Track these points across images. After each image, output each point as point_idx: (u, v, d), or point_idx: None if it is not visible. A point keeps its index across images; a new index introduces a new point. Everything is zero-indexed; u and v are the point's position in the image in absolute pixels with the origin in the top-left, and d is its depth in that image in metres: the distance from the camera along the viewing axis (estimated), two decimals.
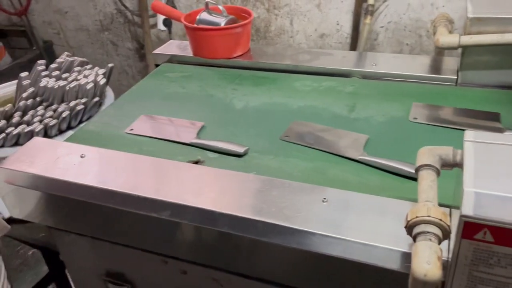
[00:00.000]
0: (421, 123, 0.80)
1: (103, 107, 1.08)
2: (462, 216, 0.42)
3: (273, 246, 0.60)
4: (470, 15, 0.83)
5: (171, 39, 1.78)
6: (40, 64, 1.08)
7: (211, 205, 0.62)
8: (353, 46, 1.65)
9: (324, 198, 0.62)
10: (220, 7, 1.09)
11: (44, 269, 1.24)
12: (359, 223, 0.57)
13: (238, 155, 0.76)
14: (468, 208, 0.42)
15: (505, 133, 0.73)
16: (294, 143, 0.78)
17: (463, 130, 0.57)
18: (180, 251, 0.70)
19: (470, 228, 0.42)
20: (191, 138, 0.80)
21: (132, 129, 0.85)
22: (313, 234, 0.57)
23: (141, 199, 0.65)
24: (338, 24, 1.66)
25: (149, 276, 0.79)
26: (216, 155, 0.77)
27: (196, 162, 0.75)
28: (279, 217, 0.59)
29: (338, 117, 0.85)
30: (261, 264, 0.64)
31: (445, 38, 0.85)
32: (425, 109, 0.83)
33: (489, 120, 0.77)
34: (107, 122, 0.89)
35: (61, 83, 1.01)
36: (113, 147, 0.78)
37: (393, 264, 0.54)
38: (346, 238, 0.56)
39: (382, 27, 1.60)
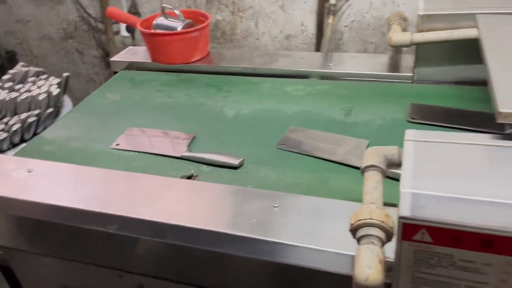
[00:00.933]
0: (419, 122, 0.78)
1: (60, 117, 1.05)
2: (400, 217, 0.41)
3: (225, 256, 0.58)
4: (421, 12, 0.83)
5: (134, 45, 1.75)
6: None
7: (160, 217, 0.60)
8: (318, 46, 1.66)
9: (275, 204, 0.61)
10: (177, 12, 1.07)
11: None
12: (310, 228, 0.56)
13: (233, 167, 0.72)
14: (405, 209, 0.41)
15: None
16: (292, 152, 0.75)
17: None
18: (134, 265, 0.68)
19: (409, 229, 0.42)
20: (182, 151, 0.77)
21: (118, 144, 0.81)
22: (263, 241, 0.55)
23: (88, 214, 0.63)
24: (302, 24, 1.66)
25: None
26: (210, 168, 0.73)
27: (190, 177, 0.71)
28: (230, 225, 0.58)
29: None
30: (219, 274, 0.63)
31: (398, 36, 0.85)
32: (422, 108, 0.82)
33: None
34: (62, 134, 0.86)
35: (13, 95, 0.98)
36: (98, 164, 0.74)
37: (344, 268, 0.53)
38: (296, 244, 0.55)
39: (346, 26, 1.61)
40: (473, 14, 0.75)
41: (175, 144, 0.79)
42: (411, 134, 0.49)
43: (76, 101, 1.15)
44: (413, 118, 0.79)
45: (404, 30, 0.91)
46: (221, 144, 0.79)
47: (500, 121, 0.45)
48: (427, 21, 0.83)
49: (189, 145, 0.78)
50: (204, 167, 0.73)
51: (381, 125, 0.79)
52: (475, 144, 0.47)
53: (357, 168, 0.68)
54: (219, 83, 1.00)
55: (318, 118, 0.84)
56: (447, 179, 0.43)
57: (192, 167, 0.73)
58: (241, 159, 0.73)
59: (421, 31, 0.84)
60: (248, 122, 0.85)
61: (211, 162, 0.73)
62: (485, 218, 0.39)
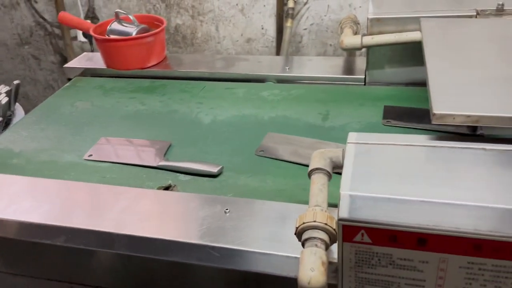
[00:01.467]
0: (394, 126, 0.78)
1: (10, 126, 1.01)
2: (339, 220, 0.42)
3: (178, 264, 0.58)
4: (370, 16, 0.85)
5: (92, 50, 1.72)
6: None
7: (107, 227, 0.59)
8: (279, 49, 1.67)
9: (226, 209, 0.60)
10: (131, 17, 1.05)
11: None
12: (260, 232, 0.56)
13: (213, 176, 0.70)
14: (344, 211, 0.42)
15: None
16: (271, 158, 0.74)
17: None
18: (85, 277, 0.66)
19: (348, 231, 0.42)
20: (158, 160, 0.74)
21: (91, 155, 0.78)
22: (212, 248, 0.55)
23: (33, 226, 0.61)
24: (262, 28, 1.67)
25: None
26: (188, 177, 0.71)
27: (167, 188, 0.68)
28: (180, 233, 0.57)
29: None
30: (172, 283, 0.62)
31: (349, 39, 0.87)
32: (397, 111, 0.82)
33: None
34: (28, 145, 0.83)
35: None
36: (70, 178, 0.71)
37: (293, 272, 0.53)
38: (245, 249, 0.55)
39: (305, 29, 1.63)
40: (418, 18, 0.78)
41: (150, 153, 0.76)
42: (353, 136, 0.50)
43: (32, 109, 1.11)
44: (388, 121, 0.80)
45: (356, 33, 0.93)
46: (198, 152, 0.77)
47: (434, 122, 0.47)
48: (376, 24, 0.85)
49: (165, 154, 0.76)
50: (182, 176, 0.71)
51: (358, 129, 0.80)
52: (412, 145, 0.48)
53: (337, 173, 0.67)
54: (193, 89, 0.98)
55: (295, 123, 0.83)
56: (383, 181, 0.44)
57: (169, 177, 0.71)
58: (220, 166, 0.71)
59: (371, 34, 0.86)
60: (225, 128, 0.84)
61: (189, 170, 0.71)
62: (419, 217, 0.40)
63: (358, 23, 0.96)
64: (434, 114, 0.46)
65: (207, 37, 1.75)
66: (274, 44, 1.68)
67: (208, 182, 0.70)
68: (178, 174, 0.72)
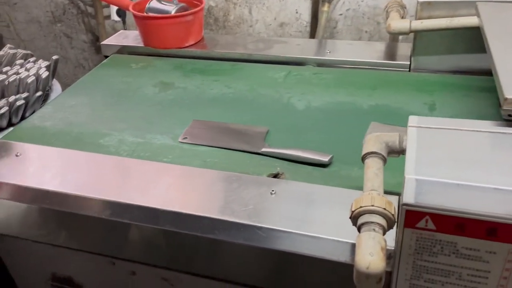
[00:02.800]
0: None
1: (49, 102, 1.02)
2: (403, 204, 0.41)
3: (220, 243, 0.57)
4: (420, 0, 0.82)
5: (125, 29, 1.71)
6: None
7: (153, 203, 0.59)
8: (313, 34, 1.64)
9: (273, 190, 0.59)
10: None
11: None
12: (307, 215, 0.55)
13: (322, 165, 0.65)
14: (409, 196, 0.40)
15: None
16: None
17: None
18: (126, 252, 0.67)
19: (412, 216, 0.41)
20: (260, 146, 0.70)
21: (186, 137, 0.75)
22: (259, 228, 0.54)
23: (79, 199, 0.61)
24: (297, 12, 1.64)
25: (97, 279, 0.75)
26: (292, 165, 0.66)
27: (276, 176, 0.64)
28: (225, 212, 0.57)
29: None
30: (212, 261, 0.62)
31: (396, 23, 0.84)
32: None
33: None
34: (52, 118, 0.83)
35: (0, 77, 0.95)
36: (168, 161, 0.69)
37: (342, 256, 0.52)
38: (294, 231, 0.54)
39: (341, 14, 1.59)
40: (474, 2, 0.74)
41: (249, 138, 0.72)
42: (414, 120, 0.48)
43: (64, 87, 1.12)
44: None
45: (402, 17, 0.90)
46: (298, 139, 0.72)
47: (506, 107, 0.44)
48: (427, 8, 0.82)
49: (265, 139, 0.72)
50: (286, 163, 0.67)
51: None
52: (478, 131, 0.46)
53: None
54: (275, 73, 0.92)
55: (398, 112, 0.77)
56: (451, 166, 0.42)
57: (277, 164, 0.67)
58: (330, 156, 0.66)
59: (420, 18, 0.83)
60: (321, 115, 0.78)
61: (296, 158, 0.66)
62: (489, 205, 0.39)
63: (405, 7, 0.93)
64: (506, 99, 0.44)
65: (239, 20, 1.73)
66: (308, 29, 1.65)
67: (317, 171, 0.65)
68: (282, 161, 0.67)
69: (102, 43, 1.13)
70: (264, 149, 0.69)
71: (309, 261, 0.54)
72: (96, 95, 0.89)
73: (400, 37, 1.28)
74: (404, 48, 0.98)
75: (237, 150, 0.70)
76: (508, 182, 0.39)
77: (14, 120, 0.94)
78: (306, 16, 1.62)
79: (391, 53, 0.98)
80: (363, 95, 0.84)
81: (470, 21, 0.75)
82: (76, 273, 0.76)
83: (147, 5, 1.06)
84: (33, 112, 0.98)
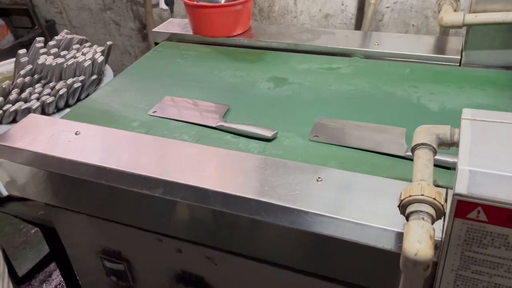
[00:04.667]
0: None
1: (102, 85, 1.07)
2: (455, 194, 0.41)
3: (266, 225, 0.59)
4: None
5: (173, 18, 1.76)
6: (39, 41, 1.07)
7: (204, 183, 0.61)
8: (358, 27, 1.62)
9: (319, 177, 0.61)
10: None
11: (46, 248, 1.24)
12: (353, 202, 0.56)
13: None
14: (462, 187, 0.41)
15: None
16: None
17: None
18: (174, 230, 0.70)
19: (463, 207, 0.41)
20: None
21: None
22: (306, 212, 0.56)
23: (133, 177, 0.65)
24: (342, 4, 1.62)
25: (144, 254, 0.79)
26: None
27: None
28: (272, 195, 0.59)
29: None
30: (255, 243, 0.64)
31: (449, 16, 0.83)
32: None
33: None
34: (107, 100, 0.88)
35: (59, 60, 1.00)
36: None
37: (386, 244, 0.53)
38: (339, 217, 0.55)
39: (387, 7, 1.57)
40: None
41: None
42: (468, 113, 0.48)
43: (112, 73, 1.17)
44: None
45: (455, 10, 0.88)
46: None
47: None
48: (481, 2, 0.80)
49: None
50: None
51: None
52: None
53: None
54: (397, 69, 0.90)
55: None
56: (505, 159, 0.42)
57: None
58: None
59: (474, 12, 0.81)
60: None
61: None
62: None
63: (458, 0, 0.91)
64: None
65: (284, 10, 1.74)
66: (353, 21, 1.64)
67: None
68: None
69: (153, 30, 1.17)
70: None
71: (349, 246, 0.55)
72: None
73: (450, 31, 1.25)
74: (455, 42, 0.96)
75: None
76: None
77: (71, 101, 0.99)
78: (351, 8, 1.61)
79: (441, 47, 0.96)
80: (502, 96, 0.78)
81: None
82: (125, 248, 0.81)
83: None
84: (88, 94, 1.03)
